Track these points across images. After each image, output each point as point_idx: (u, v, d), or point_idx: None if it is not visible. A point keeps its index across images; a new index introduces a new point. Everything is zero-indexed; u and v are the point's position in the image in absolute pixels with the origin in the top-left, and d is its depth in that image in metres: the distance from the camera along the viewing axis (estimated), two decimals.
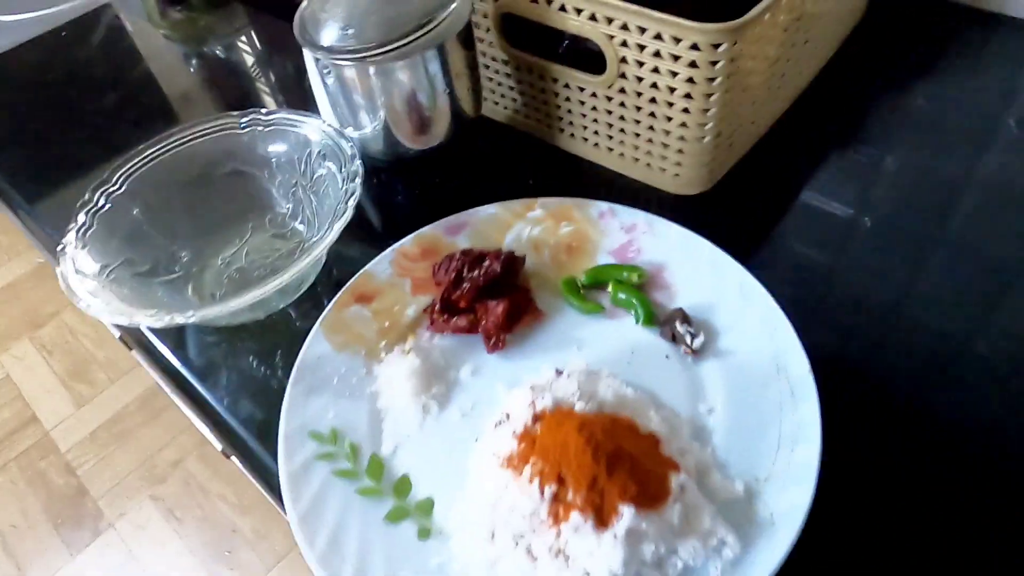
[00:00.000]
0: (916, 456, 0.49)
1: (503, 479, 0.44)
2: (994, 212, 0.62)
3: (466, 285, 0.56)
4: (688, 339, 0.53)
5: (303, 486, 0.48)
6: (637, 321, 0.55)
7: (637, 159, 0.67)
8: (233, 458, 1.16)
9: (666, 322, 0.54)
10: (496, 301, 0.55)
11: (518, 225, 0.63)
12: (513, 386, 0.53)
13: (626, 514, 0.40)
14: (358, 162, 0.61)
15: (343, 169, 0.62)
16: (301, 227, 0.67)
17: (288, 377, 0.55)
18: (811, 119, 0.72)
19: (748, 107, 0.64)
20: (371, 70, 0.62)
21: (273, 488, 0.53)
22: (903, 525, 0.46)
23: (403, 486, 0.49)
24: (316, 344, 0.56)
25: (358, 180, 0.59)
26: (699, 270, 0.57)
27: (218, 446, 1.11)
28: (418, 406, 0.53)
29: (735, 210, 0.66)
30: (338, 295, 0.59)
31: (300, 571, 1.55)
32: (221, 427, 0.60)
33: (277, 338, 0.62)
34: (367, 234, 0.69)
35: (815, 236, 0.63)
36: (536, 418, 0.45)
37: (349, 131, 0.66)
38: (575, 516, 0.40)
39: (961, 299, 0.56)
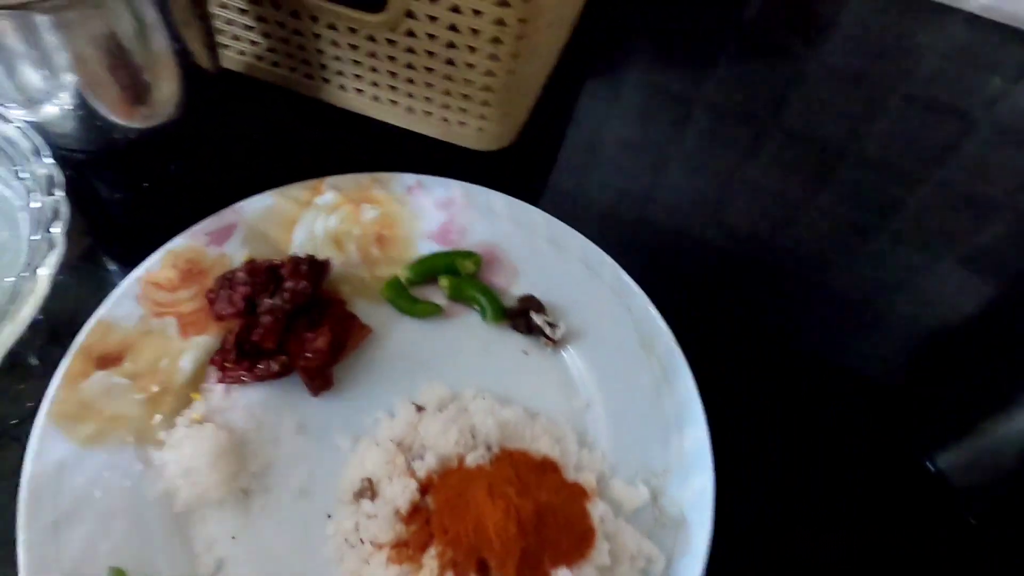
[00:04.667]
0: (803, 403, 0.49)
1: None
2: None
3: (267, 318, 0.42)
4: (547, 330, 0.46)
5: None
6: (484, 317, 0.47)
7: (430, 112, 0.56)
8: None
9: (517, 314, 0.47)
10: (312, 332, 0.42)
11: (307, 216, 0.49)
12: (357, 434, 0.42)
13: None
14: (49, 162, 0.40)
15: (23, 172, 0.41)
16: None
17: (2, 502, 0.36)
18: (577, 62, 0.67)
19: (545, 47, 0.56)
20: (42, 24, 0.39)
21: None
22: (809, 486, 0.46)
23: None
24: (50, 447, 0.38)
25: (58, 192, 0.40)
26: (535, 245, 0.50)
27: None
28: (236, 495, 0.39)
29: (545, 163, 0.60)
30: (64, 364, 0.40)
31: None
32: None
33: None
34: (77, 262, 0.49)
35: (631, 180, 0.60)
36: (424, 488, 0.35)
37: (14, 112, 0.43)
38: None
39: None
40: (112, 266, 0.49)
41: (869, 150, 0.64)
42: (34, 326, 0.46)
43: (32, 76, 0.41)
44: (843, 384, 0.51)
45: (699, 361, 0.45)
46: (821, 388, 0.50)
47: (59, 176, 0.40)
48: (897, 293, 0.56)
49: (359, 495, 0.38)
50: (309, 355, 0.42)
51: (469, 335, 0.47)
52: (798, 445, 0.47)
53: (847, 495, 0.46)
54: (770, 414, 0.48)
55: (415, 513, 0.35)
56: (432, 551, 0.33)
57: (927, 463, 0.47)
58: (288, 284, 0.43)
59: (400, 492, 0.36)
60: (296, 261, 0.45)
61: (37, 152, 0.41)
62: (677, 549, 0.39)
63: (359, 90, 0.57)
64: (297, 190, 0.49)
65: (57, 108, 0.43)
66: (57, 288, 0.46)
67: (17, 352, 0.44)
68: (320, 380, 0.42)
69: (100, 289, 0.46)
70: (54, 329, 0.44)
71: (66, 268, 0.46)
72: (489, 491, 0.34)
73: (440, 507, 0.34)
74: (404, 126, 0.58)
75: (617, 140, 0.62)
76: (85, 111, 0.43)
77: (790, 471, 0.46)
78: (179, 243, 0.46)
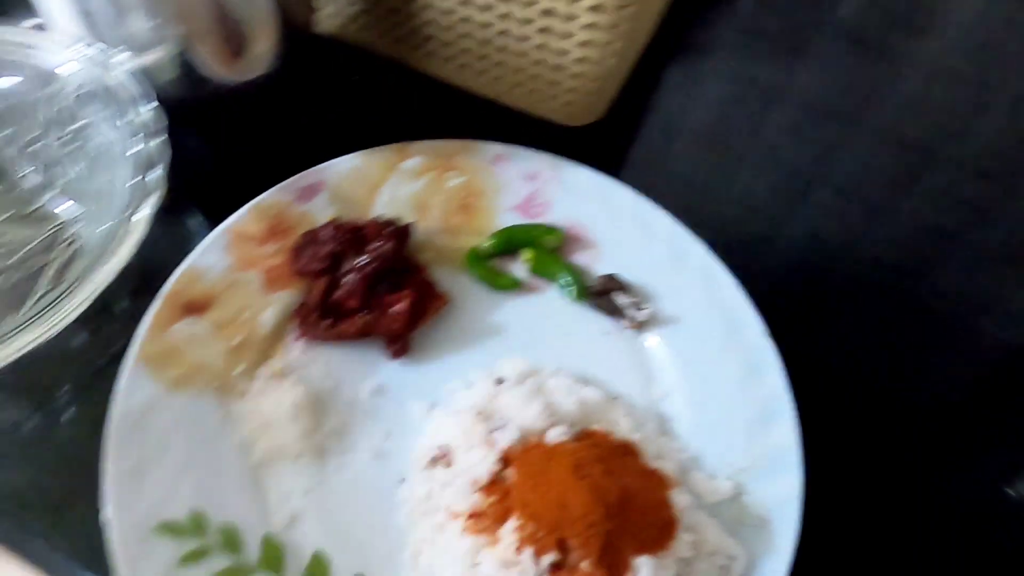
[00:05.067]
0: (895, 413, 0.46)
1: (471, 547, 0.33)
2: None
3: (352, 277, 0.42)
4: (632, 312, 0.45)
5: None
6: (566, 294, 0.46)
7: (519, 84, 0.55)
8: None
9: (600, 293, 0.46)
10: (394, 293, 0.42)
11: (392, 180, 0.49)
12: (433, 402, 0.41)
13: (643, 568, 0.32)
14: (153, 104, 0.41)
15: (126, 116, 0.41)
16: (59, 206, 0.46)
17: (89, 439, 0.37)
18: (669, 41, 0.64)
19: (643, 22, 0.54)
20: None
21: None
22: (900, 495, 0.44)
23: (318, 571, 0.36)
24: (137, 388, 0.39)
25: (159, 138, 0.40)
26: (620, 224, 0.48)
27: None
28: (312, 451, 0.39)
29: (631, 141, 0.58)
30: (154, 307, 0.41)
31: None
32: None
33: (47, 379, 0.42)
34: (167, 210, 0.49)
35: (718, 164, 0.57)
36: (505, 461, 0.35)
37: (120, 57, 0.44)
38: None
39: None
40: (199, 218, 0.49)
41: (968, 153, 0.59)
42: (125, 272, 0.47)
43: (139, 22, 0.42)
44: (927, 404, 0.48)
45: (787, 356, 0.43)
46: (905, 404, 0.47)
47: (161, 122, 0.40)
48: (983, 308, 0.52)
49: (434, 462, 0.37)
50: (391, 318, 0.41)
51: (548, 311, 0.46)
52: (885, 460, 0.45)
53: (931, 514, 0.43)
54: (856, 420, 0.46)
55: (494, 484, 0.34)
56: (510, 525, 0.32)
57: (1008, 489, 0.44)
58: (374, 244, 0.42)
59: (479, 461, 0.35)
60: (380, 223, 0.44)
61: (140, 98, 0.41)
62: (760, 550, 0.37)
63: (449, 57, 0.56)
64: (384, 153, 0.49)
65: (160, 55, 0.43)
66: (146, 237, 0.47)
67: (107, 296, 0.45)
68: (400, 344, 0.42)
69: (186, 241, 0.46)
70: (142, 276, 0.45)
71: (156, 218, 0.47)
72: (575, 469, 0.33)
73: (522, 480, 0.33)
74: (492, 96, 0.57)
75: (705, 124, 0.60)
76: (185, 60, 0.44)
77: (875, 485, 0.44)
78: (266, 198, 0.46)
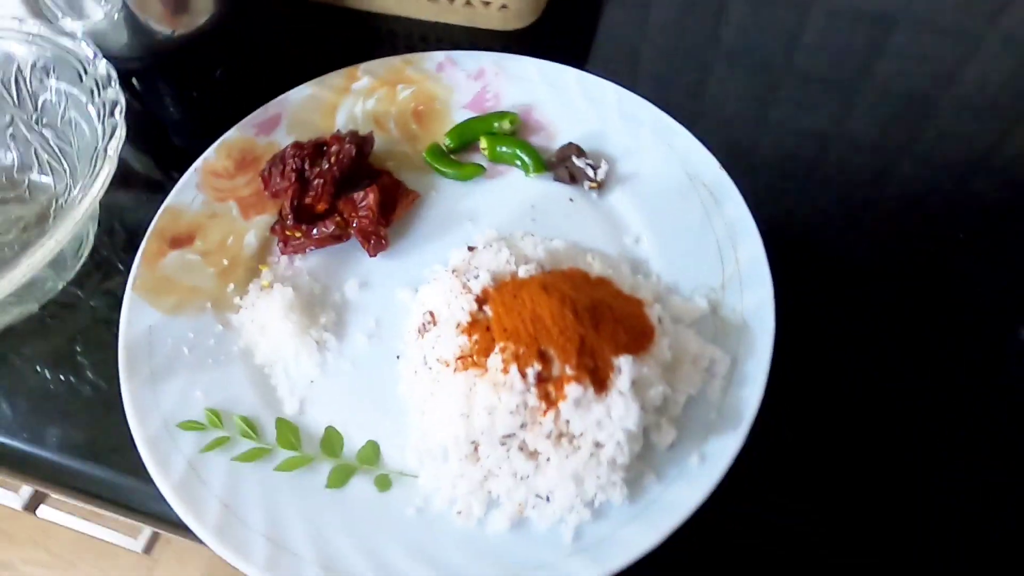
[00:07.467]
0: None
1: (465, 383, 0.35)
2: None
3: (318, 181, 0.44)
4: (590, 172, 0.46)
5: (201, 491, 0.36)
6: (526, 172, 0.48)
7: None
8: (43, 507, 0.91)
9: (559, 162, 0.48)
10: (361, 192, 0.44)
11: (346, 102, 0.51)
12: (416, 285, 0.43)
13: (624, 366, 0.34)
14: (103, 62, 0.43)
15: (83, 79, 0.44)
16: (44, 179, 0.48)
17: (109, 372, 0.40)
18: None
19: None
20: None
21: (147, 512, 0.40)
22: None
23: (333, 441, 0.38)
24: (138, 316, 0.41)
25: (114, 84, 0.43)
26: (570, 101, 0.50)
27: (16, 504, 0.87)
28: (309, 345, 0.41)
29: (573, 37, 0.59)
30: (143, 246, 0.44)
31: None
32: (28, 468, 0.43)
33: (68, 330, 0.45)
34: (142, 165, 0.52)
35: (661, 51, 0.59)
36: (480, 301, 0.37)
37: (67, 24, 0.47)
38: (572, 389, 0.33)
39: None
40: (170, 167, 0.51)
41: (926, 17, 0.59)
42: (113, 233, 0.50)
43: None
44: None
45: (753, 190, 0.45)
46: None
47: (114, 73, 0.43)
48: (965, 163, 0.52)
49: (423, 329, 0.39)
50: (361, 214, 0.44)
51: (514, 191, 0.48)
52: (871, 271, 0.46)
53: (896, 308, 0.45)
54: (835, 241, 0.48)
55: (474, 324, 0.36)
56: (495, 352, 0.34)
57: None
58: (334, 149, 0.44)
59: (459, 308, 0.37)
60: (340, 136, 0.46)
61: (95, 56, 0.44)
62: (741, 352, 0.39)
63: None
64: (334, 78, 0.51)
65: (104, 15, 0.46)
66: (129, 204, 0.50)
67: (103, 255, 0.48)
68: (375, 240, 0.44)
69: (164, 190, 0.49)
70: (131, 237, 0.48)
71: (129, 175, 0.50)
72: (544, 288, 0.35)
73: (497, 310, 0.35)
74: (430, 18, 0.59)
75: (646, 10, 0.61)
76: (130, 18, 0.46)
77: (856, 292, 0.45)
78: (230, 135, 0.48)
